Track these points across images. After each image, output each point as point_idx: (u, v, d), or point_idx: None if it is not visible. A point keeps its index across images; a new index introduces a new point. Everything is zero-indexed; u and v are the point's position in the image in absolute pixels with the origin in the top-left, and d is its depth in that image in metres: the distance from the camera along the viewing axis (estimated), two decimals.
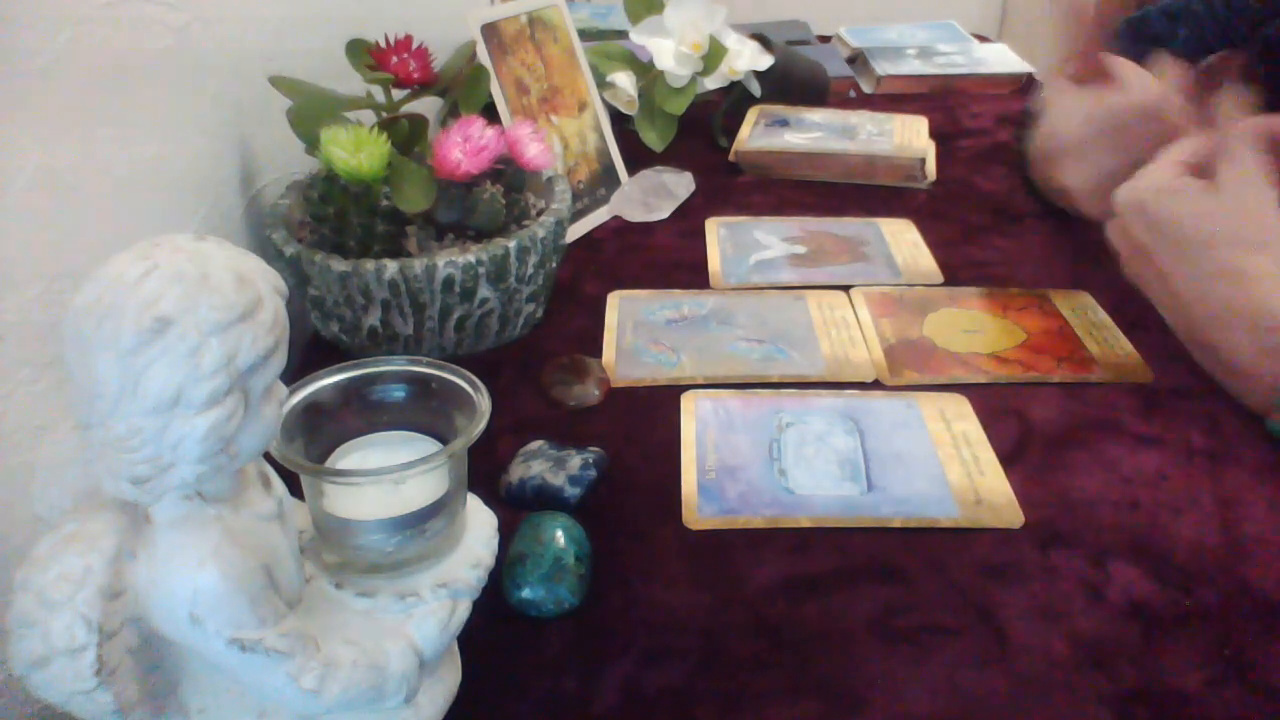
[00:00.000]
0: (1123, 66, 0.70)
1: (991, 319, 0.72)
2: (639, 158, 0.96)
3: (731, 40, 1.01)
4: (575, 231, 0.83)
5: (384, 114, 0.67)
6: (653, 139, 0.98)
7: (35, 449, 0.44)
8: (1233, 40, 0.83)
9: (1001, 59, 1.27)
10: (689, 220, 0.88)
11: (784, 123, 1.04)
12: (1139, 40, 0.87)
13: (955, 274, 0.79)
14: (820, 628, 0.47)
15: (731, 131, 1.02)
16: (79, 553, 0.32)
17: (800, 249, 0.83)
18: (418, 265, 0.61)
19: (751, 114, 1.05)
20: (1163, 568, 0.50)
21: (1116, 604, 0.48)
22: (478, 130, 0.64)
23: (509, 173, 0.68)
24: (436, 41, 0.70)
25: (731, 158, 0.98)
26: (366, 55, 0.67)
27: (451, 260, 0.62)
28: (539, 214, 0.70)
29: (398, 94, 0.69)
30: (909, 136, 1.00)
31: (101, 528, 0.33)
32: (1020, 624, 0.47)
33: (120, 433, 0.30)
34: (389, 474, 0.38)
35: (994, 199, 0.92)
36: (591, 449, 0.57)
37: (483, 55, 0.78)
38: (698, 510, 0.54)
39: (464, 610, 0.40)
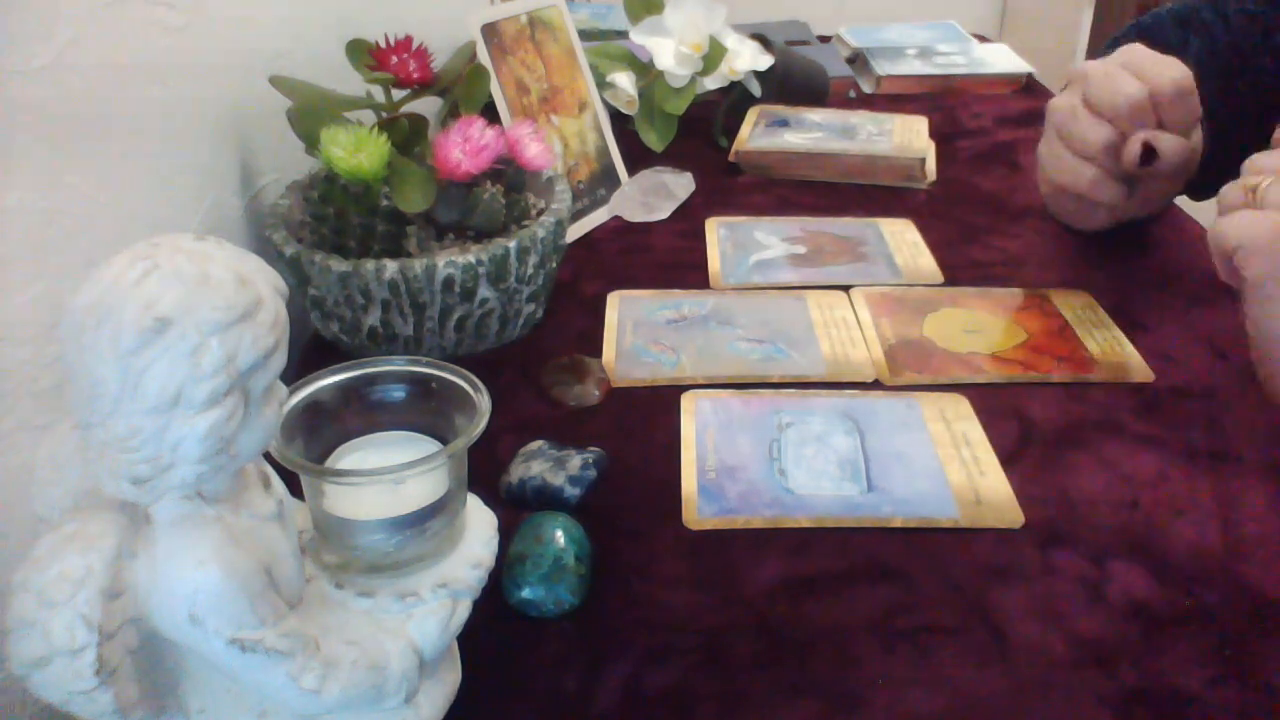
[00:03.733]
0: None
1: (991, 319, 0.72)
2: (639, 158, 0.96)
3: (731, 40, 1.01)
4: (575, 231, 0.83)
5: (384, 114, 0.67)
6: (653, 139, 0.98)
7: (35, 449, 0.44)
8: (1243, 49, 0.82)
9: (1002, 59, 1.27)
10: (689, 220, 0.88)
11: (784, 123, 1.04)
12: (1149, 46, 0.86)
13: (955, 274, 0.79)
14: (820, 628, 0.47)
15: (731, 131, 1.02)
16: (79, 552, 0.32)
17: (800, 249, 0.83)
18: (418, 265, 0.61)
19: (751, 114, 1.05)
20: (1163, 568, 0.50)
21: (1116, 604, 0.48)
22: (478, 130, 0.64)
23: (509, 173, 0.68)
24: (436, 41, 0.70)
25: (731, 158, 0.98)
26: (366, 55, 0.67)
27: (451, 260, 0.62)
28: (539, 214, 0.70)
29: (398, 94, 0.68)
30: (909, 136, 1.00)
31: (101, 528, 0.33)
32: (1020, 624, 0.47)
33: (120, 433, 0.30)
34: (389, 474, 0.38)
35: (994, 199, 0.92)
36: (591, 449, 0.57)
37: (483, 55, 0.78)
38: (698, 510, 0.54)
39: (464, 610, 0.40)
